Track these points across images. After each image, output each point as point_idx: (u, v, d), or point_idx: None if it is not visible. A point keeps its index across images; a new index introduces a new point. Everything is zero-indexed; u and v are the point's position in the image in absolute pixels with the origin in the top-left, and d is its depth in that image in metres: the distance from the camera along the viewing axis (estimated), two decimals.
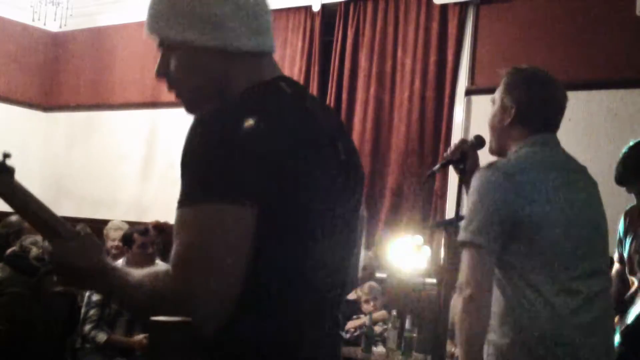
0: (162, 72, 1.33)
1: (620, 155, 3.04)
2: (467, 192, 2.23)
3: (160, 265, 1.25)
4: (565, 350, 1.89)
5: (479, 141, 2.32)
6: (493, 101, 2.13)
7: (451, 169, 2.38)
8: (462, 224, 1.96)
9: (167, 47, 1.31)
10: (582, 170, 2.10)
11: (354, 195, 1.37)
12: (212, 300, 1.12)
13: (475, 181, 1.97)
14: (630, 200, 3.12)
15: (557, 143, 2.08)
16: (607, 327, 2.03)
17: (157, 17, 1.32)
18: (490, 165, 1.98)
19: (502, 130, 2.08)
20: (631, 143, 3.06)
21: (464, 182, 2.26)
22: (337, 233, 1.30)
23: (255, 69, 1.30)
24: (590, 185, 2.09)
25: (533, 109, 2.04)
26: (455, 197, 2.37)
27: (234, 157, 1.13)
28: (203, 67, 1.29)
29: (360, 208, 1.42)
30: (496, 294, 1.95)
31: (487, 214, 1.91)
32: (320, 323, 1.30)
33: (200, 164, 1.16)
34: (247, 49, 1.28)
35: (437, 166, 2.38)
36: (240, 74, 1.28)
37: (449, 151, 2.29)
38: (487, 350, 1.94)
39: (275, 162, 1.15)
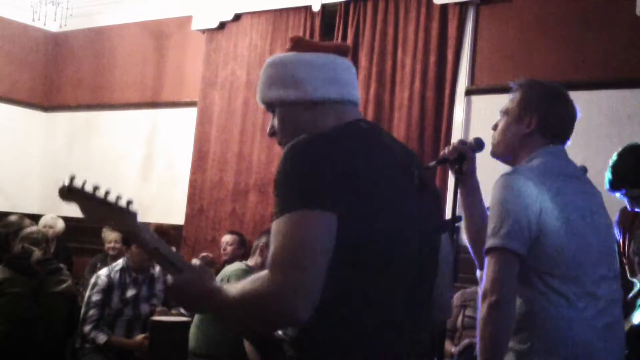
0: (272, 132, 1.64)
1: (611, 162, 3.06)
2: (462, 192, 2.25)
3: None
4: (585, 353, 1.91)
5: (478, 144, 2.33)
6: (506, 112, 2.16)
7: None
8: (490, 230, 1.96)
9: (272, 110, 1.62)
10: (589, 180, 2.18)
11: (430, 217, 1.56)
12: (303, 291, 1.30)
13: (500, 187, 1.99)
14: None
15: (567, 154, 2.15)
16: (621, 331, 2.05)
17: (262, 87, 1.63)
18: (515, 172, 2.02)
19: (518, 140, 2.13)
20: (620, 150, 3.10)
21: (459, 182, 2.28)
22: (412, 248, 1.47)
23: (339, 114, 1.56)
24: (597, 193, 2.14)
25: (552, 123, 2.11)
26: (452, 198, 2.36)
27: (318, 175, 1.36)
28: (294, 117, 1.58)
29: (440, 228, 1.63)
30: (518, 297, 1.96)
31: (516, 219, 1.93)
32: (392, 341, 1.45)
33: (290, 182, 1.37)
34: (326, 97, 1.56)
35: (433, 162, 2.39)
36: (326, 118, 1.55)
37: (446, 150, 2.30)
38: (506, 358, 1.95)
39: (352, 180, 1.37)
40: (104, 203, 1.52)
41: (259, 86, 1.64)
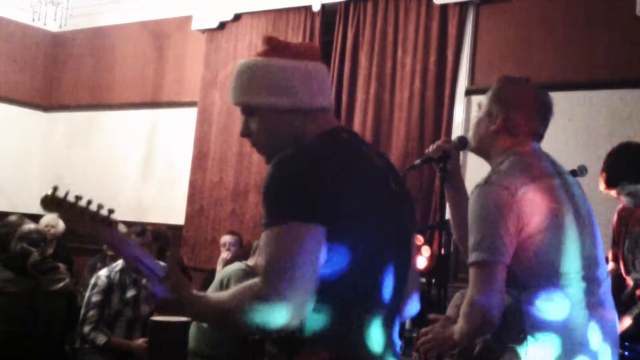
0: (246, 133, 1.66)
1: (606, 161, 3.08)
2: (447, 191, 2.26)
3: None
4: (581, 341, 1.94)
5: (462, 142, 2.34)
6: (480, 105, 2.16)
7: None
8: (471, 243, 1.97)
9: (248, 113, 1.63)
10: (568, 172, 2.17)
11: (406, 221, 1.64)
12: (294, 299, 1.36)
13: (477, 198, 1.99)
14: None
15: (537, 151, 2.13)
16: (614, 327, 2.07)
17: (242, 89, 1.62)
18: (488, 181, 2.01)
19: (487, 136, 2.13)
20: (611, 149, 3.13)
21: (444, 180, 2.28)
22: (390, 251, 1.55)
23: (323, 121, 1.61)
24: (578, 185, 2.14)
25: (519, 121, 2.09)
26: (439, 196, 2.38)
27: (305, 189, 1.42)
28: (281, 124, 1.60)
29: (413, 234, 1.69)
30: (509, 296, 1.98)
31: (495, 230, 1.94)
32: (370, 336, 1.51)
33: (279, 195, 1.43)
34: (318, 106, 1.60)
35: (417, 161, 2.40)
36: (312, 125, 1.60)
37: (431, 149, 2.30)
38: (500, 354, 1.97)
39: (337, 192, 1.43)
40: (85, 213, 1.54)
41: (238, 87, 1.63)
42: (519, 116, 2.10)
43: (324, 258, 1.41)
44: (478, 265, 1.96)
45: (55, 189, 1.58)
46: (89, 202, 1.56)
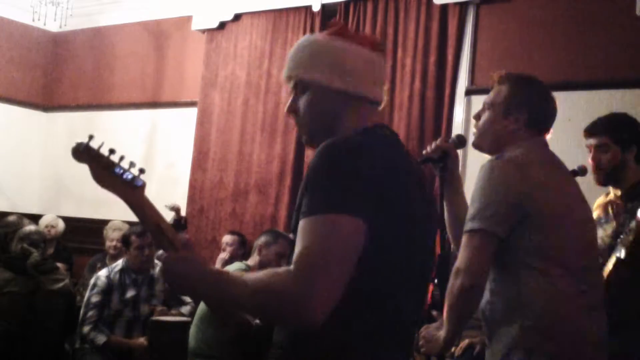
0: (292, 109, 1.59)
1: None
2: (446, 189, 2.27)
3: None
4: (573, 331, 1.95)
5: (461, 140, 2.34)
6: (492, 105, 2.16)
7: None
8: (472, 211, 1.97)
9: (301, 88, 1.56)
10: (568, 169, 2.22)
11: (433, 227, 1.61)
12: (325, 297, 1.29)
13: (486, 170, 2.01)
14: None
15: (548, 145, 2.18)
16: (604, 316, 2.08)
17: (300, 63, 1.56)
18: (501, 157, 2.04)
19: (505, 134, 2.14)
20: None
21: (443, 179, 2.28)
22: (421, 257, 1.51)
23: (366, 114, 1.55)
24: (577, 184, 2.18)
25: (540, 118, 2.15)
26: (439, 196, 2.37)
27: (351, 180, 1.35)
28: (326, 104, 1.54)
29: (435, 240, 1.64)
30: (501, 281, 1.98)
31: (501, 202, 1.95)
32: (399, 340, 1.49)
33: (323, 184, 1.36)
34: (364, 95, 1.54)
35: None
36: (354, 114, 1.54)
37: (429, 149, 2.31)
38: (497, 339, 1.96)
39: (382, 189, 1.37)
40: (114, 168, 1.51)
41: (294, 60, 1.57)
42: (539, 113, 2.14)
43: (358, 254, 1.33)
44: (469, 233, 1.96)
45: (90, 137, 1.55)
46: (122, 158, 1.52)
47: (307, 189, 1.37)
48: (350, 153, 1.39)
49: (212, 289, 1.43)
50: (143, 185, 1.53)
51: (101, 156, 1.53)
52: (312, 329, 1.31)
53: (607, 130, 2.72)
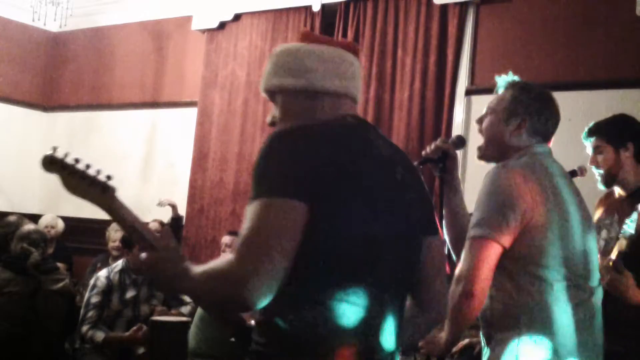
0: (271, 121, 1.66)
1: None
2: (445, 190, 2.26)
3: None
4: (569, 341, 1.94)
5: (461, 141, 2.34)
6: (493, 110, 2.17)
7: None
8: (476, 218, 1.97)
9: (271, 98, 1.64)
10: (572, 179, 2.22)
11: (410, 212, 1.58)
12: (266, 274, 1.33)
13: (491, 178, 2.01)
14: None
15: (551, 153, 2.19)
16: (600, 324, 2.08)
17: (267, 75, 1.64)
18: (506, 164, 2.05)
19: (506, 139, 2.15)
20: None
21: (443, 180, 2.28)
22: (387, 240, 1.50)
23: (336, 108, 1.59)
24: (579, 193, 2.17)
25: (541, 125, 2.15)
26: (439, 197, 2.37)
27: (296, 165, 1.40)
28: (295, 106, 1.59)
29: (424, 229, 1.62)
30: (502, 287, 1.98)
31: (505, 210, 1.95)
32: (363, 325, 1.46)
33: (268, 168, 1.41)
34: (328, 89, 1.58)
35: (415, 163, 2.39)
36: (324, 110, 1.57)
37: (428, 149, 2.30)
38: (496, 345, 1.97)
39: (329, 173, 1.40)
40: (83, 176, 1.55)
41: (264, 75, 1.65)
42: (541, 120, 2.15)
43: (299, 237, 1.36)
44: (473, 240, 1.96)
45: (55, 149, 1.59)
46: (88, 166, 1.57)
47: (252, 176, 1.44)
48: (292, 140, 1.44)
49: (187, 286, 1.47)
50: (114, 189, 1.57)
51: (69, 165, 1.57)
52: (257, 307, 1.36)
53: (599, 131, 2.73)
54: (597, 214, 2.79)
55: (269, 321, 1.45)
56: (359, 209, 1.45)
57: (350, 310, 1.43)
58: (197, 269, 1.43)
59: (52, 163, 1.58)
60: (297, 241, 1.37)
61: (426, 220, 1.65)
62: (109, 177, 1.57)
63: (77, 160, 1.57)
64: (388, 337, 1.53)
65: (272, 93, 1.63)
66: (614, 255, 2.35)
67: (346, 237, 1.43)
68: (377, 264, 1.49)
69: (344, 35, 5.29)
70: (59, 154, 1.58)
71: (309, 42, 1.62)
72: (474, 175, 2.24)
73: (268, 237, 1.35)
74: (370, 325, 1.48)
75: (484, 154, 2.22)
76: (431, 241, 1.65)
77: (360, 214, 1.45)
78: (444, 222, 2.31)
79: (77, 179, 1.55)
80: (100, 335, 4.03)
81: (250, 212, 1.39)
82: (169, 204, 5.45)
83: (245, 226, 1.38)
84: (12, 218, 4.29)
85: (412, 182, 1.63)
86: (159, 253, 1.49)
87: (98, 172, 1.56)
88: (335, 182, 1.41)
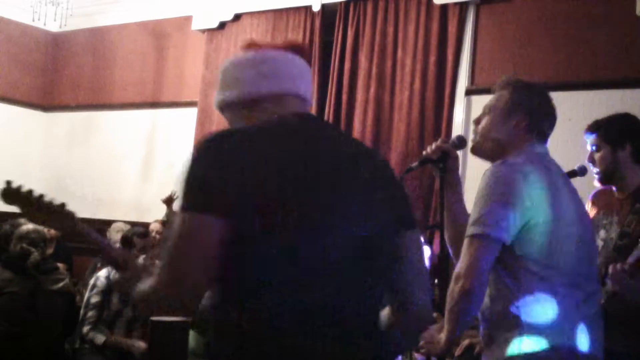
0: None
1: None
2: (446, 190, 2.26)
3: None
4: (570, 341, 1.94)
5: (461, 141, 2.34)
6: (492, 109, 2.17)
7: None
8: (474, 216, 1.97)
9: (224, 115, 1.62)
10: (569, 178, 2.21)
11: (378, 209, 1.50)
12: (180, 290, 1.36)
13: (489, 176, 2.01)
14: None
15: (549, 152, 2.18)
16: (601, 325, 2.08)
17: (215, 93, 1.63)
18: (504, 162, 2.04)
19: (505, 138, 2.15)
20: None
21: (444, 181, 2.28)
22: (335, 242, 1.43)
23: (278, 108, 1.54)
24: (577, 191, 2.16)
25: (540, 123, 2.15)
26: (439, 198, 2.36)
27: (216, 176, 1.35)
28: (237, 117, 1.58)
29: (396, 228, 1.54)
30: (502, 286, 1.98)
31: (504, 208, 1.94)
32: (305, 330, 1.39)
33: (188, 181, 1.38)
34: (259, 91, 1.54)
35: (415, 163, 2.39)
36: (264, 114, 1.52)
37: (429, 149, 2.30)
38: (496, 344, 1.98)
39: (257, 177, 1.35)
40: (40, 205, 1.61)
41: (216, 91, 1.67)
42: (540, 118, 2.15)
43: (217, 249, 1.34)
44: (473, 237, 1.96)
45: (8, 182, 1.63)
46: (41, 195, 1.63)
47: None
48: (216, 147, 1.39)
49: (140, 298, 1.51)
50: (73, 213, 1.63)
51: (25, 196, 1.62)
52: (188, 313, 1.47)
53: (598, 129, 2.73)
54: (591, 214, 2.79)
55: (215, 319, 1.46)
56: (292, 212, 1.37)
57: (290, 311, 1.37)
58: (147, 282, 1.46)
59: (7, 195, 1.64)
60: (213, 252, 1.35)
61: (400, 214, 1.56)
62: (63, 205, 1.63)
63: (30, 191, 1.62)
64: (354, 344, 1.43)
65: (222, 110, 1.62)
66: (632, 258, 2.33)
67: (284, 239, 1.36)
68: (335, 262, 1.41)
69: (344, 35, 5.29)
70: (14, 185, 1.64)
71: (252, 50, 1.60)
72: (474, 175, 2.24)
73: (178, 251, 1.37)
74: (317, 325, 1.39)
75: (481, 149, 2.21)
76: (408, 235, 1.56)
77: (296, 217, 1.37)
78: (445, 222, 2.31)
79: (35, 208, 1.61)
80: (100, 338, 4.03)
81: (172, 225, 1.42)
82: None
83: (167, 238, 1.41)
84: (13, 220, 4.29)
85: (381, 178, 1.55)
86: (125, 273, 1.56)
87: (52, 200, 1.63)
88: (262, 186, 1.35)
